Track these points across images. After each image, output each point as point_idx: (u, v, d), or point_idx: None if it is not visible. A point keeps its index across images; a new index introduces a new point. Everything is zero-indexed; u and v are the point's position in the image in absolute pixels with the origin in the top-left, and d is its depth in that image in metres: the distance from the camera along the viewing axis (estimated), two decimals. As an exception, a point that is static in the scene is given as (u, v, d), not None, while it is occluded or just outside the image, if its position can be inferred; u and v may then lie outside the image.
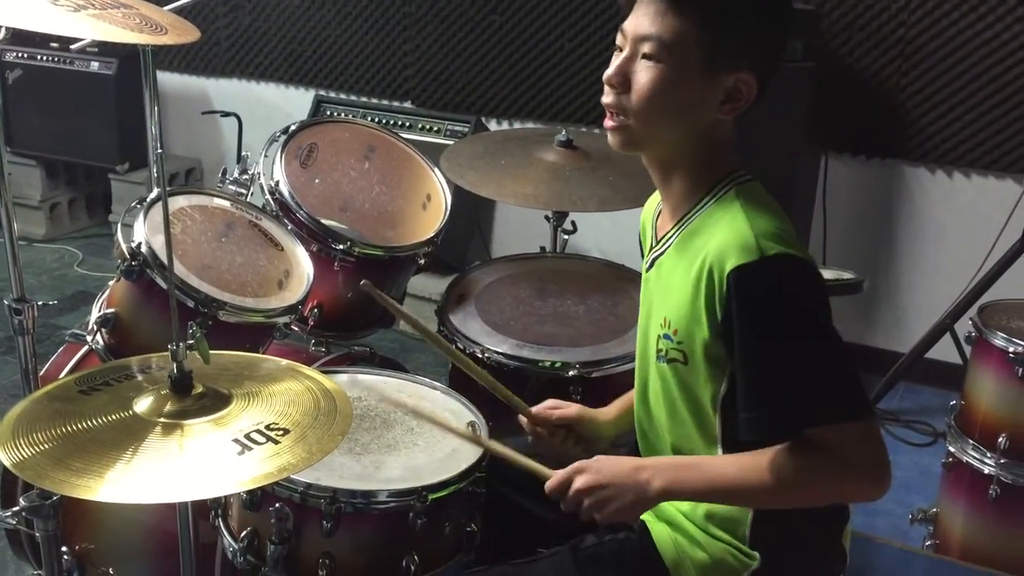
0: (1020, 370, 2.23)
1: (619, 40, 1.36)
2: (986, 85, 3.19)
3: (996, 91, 3.18)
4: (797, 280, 1.27)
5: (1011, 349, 2.25)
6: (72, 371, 1.99)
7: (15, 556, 2.16)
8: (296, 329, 2.10)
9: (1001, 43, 3.14)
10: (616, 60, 1.35)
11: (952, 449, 2.43)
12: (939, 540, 2.47)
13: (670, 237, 1.42)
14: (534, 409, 1.64)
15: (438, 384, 1.85)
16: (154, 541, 1.89)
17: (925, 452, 3.06)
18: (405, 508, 1.51)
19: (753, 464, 1.31)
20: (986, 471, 2.33)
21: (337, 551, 1.52)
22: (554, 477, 1.41)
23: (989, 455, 2.32)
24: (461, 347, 2.05)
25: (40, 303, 1.60)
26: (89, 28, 1.32)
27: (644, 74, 1.32)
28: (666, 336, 1.38)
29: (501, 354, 2.00)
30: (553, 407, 1.65)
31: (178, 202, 1.87)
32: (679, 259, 1.38)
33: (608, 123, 1.37)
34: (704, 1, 1.29)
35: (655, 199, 1.55)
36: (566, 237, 2.53)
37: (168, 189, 1.90)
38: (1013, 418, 2.29)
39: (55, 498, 1.69)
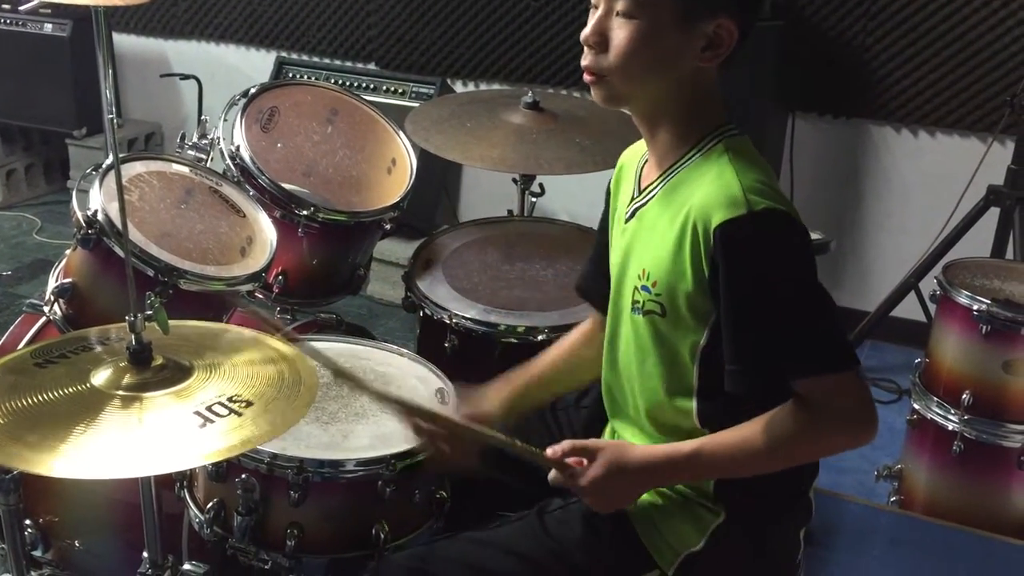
0: (984, 328, 2.25)
1: (593, 0, 1.34)
2: (951, 44, 3.19)
3: (960, 50, 3.18)
4: (784, 235, 1.27)
5: (975, 307, 2.27)
6: (30, 342, 1.95)
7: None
8: (260, 296, 2.07)
9: (965, 1, 3.14)
10: (592, 19, 1.33)
11: (916, 406, 2.46)
12: (903, 496, 2.51)
13: (654, 188, 1.40)
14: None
15: (405, 351, 1.83)
16: (119, 513, 1.86)
17: (890, 409, 3.09)
18: (374, 476, 1.50)
19: (745, 437, 1.31)
20: (950, 427, 2.36)
21: (305, 521, 1.51)
22: (553, 475, 1.38)
23: (953, 412, 2.35)
24: (429, 312, 2.03)
25: (-6, 274, 1.55)
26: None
27: (620, 31, 1.30)
28: (644, 288, 1.36)
29: (469, 319, 1.98)
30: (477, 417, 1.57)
31: (135, 168, 1.83)
32: (662, 210, 1.36)
33: (587, 78, 1.35)
34: None
35: (637, 148, 1.53)
36: (534, 200, 2.51)
37: (124, 155, 1.86)
38: (977, 375, 2.32)
39: (15, 472, 1.66)
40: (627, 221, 1.45)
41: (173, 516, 1.70)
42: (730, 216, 1.24)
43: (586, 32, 1.33)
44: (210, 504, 1.56)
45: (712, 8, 1.29)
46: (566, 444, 1.38)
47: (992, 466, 2.35)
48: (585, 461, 1.37)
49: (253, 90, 2.12)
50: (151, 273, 1.69)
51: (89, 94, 4.16)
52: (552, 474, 1.40)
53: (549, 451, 1.40)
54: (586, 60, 1.34)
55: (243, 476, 1.49)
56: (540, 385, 1.65)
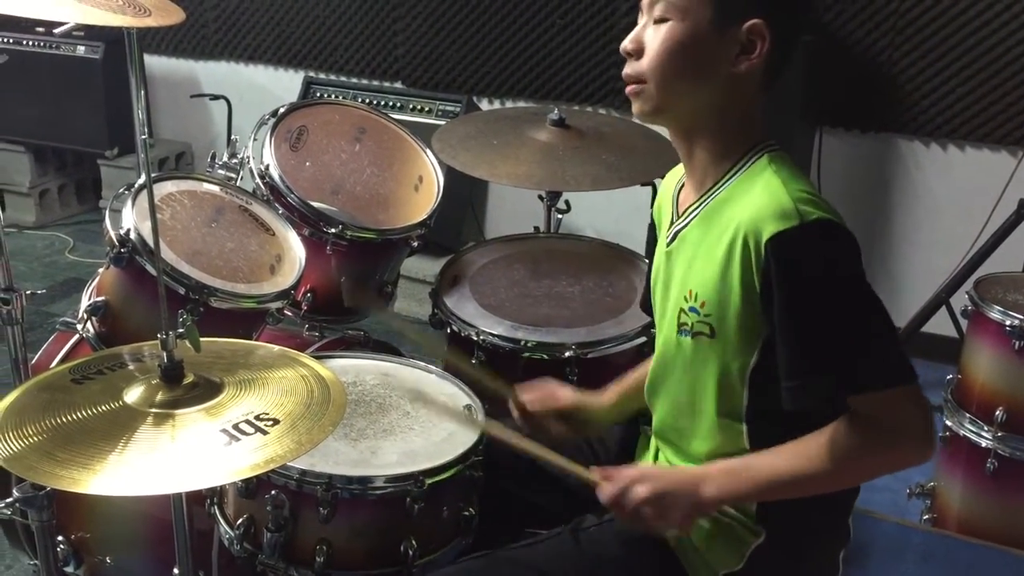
0: (1017, 343, 2.23)
1: (640, 16, 1.36)
2: (979, 57, 3.17)
3: (989, 63, 3.17)
4: (838, 246, 1.25)
5: (1008, 322, 2.24)
6: (63, 360, 1.97)
7: (11, 546, 2.15)
8: (289, 314, 2.08)
9: (994, 14, 3.12)
10: (633, 31, 1.35)
11: (949, 423, 2.43)
12: (937, 514, 2.47)
13: (694, 210, 1.39)
14: (526, 400, 1.62)
15: (434, 367, 1.83)
16: (150, 529, 1.88)
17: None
18: (402, 493, 1.50)
19: (802, 451, 1.29)
20: (983, 445, 2.32)
21: (334, 537, 1.51)
22: (610, 489, 1.36)
23: (986, 429, 2.32)
24: (456, 329, 2.04)
25: (29, 291, 1.58)
26: (71, 11, 1.29)
27: (655, 36, 1.31)
28: (692, 309, 1.35)
29: (496, 336, 1.98)
30: (548, 395, 1.63)
31: (166, 187, 1.85)
32: (706, 230, 1.36)
33: (628, 89, 1.36)
34: None
35: (674, 175, 1.53)
36: (560, 217, 2.52)
37: (156, 174, 1.88)
38: (1010, 391, 2.29)
39: (48, 489, 1.68)
40: (668, 245, 1.44)
41: (204, 532, 1.71)
42: (781, 228, 1.23)
43: (624, 42, 1.35)
44: (240, 520, 1.56)
45: (745, 9, 1.29)
46: (610, 471, 1.38)
47: (1027, 484, 2.32)
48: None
49: (282, 110, 2.14)
50: (182, 291, 1.71)
51: (121, 115, 4.22)
52: (601, 488, 1.37)
53: (598, 471, 1.40)
54: (626, 69, 1.36)
55: (273, 492, 1.50)
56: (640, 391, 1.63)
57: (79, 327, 1.82)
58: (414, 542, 1.52)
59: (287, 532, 1.52)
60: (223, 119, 4.09)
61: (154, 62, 4.51)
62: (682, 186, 1.47)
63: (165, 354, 1.27)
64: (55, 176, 4.57)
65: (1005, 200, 3.06)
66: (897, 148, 3.40)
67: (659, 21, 1.31)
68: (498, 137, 2.32)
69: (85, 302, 1.84)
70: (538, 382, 1.67)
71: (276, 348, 1.47)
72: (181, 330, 1.29)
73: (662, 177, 2.82)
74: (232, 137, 2.08)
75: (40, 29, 4.22)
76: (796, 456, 1.30)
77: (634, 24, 1.36)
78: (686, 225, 1.41)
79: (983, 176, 3.25)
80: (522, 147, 2.29)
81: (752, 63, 1.31)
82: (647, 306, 1.71)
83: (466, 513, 1.61)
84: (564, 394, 1.64)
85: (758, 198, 1.28)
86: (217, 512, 1.63)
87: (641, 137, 2.41)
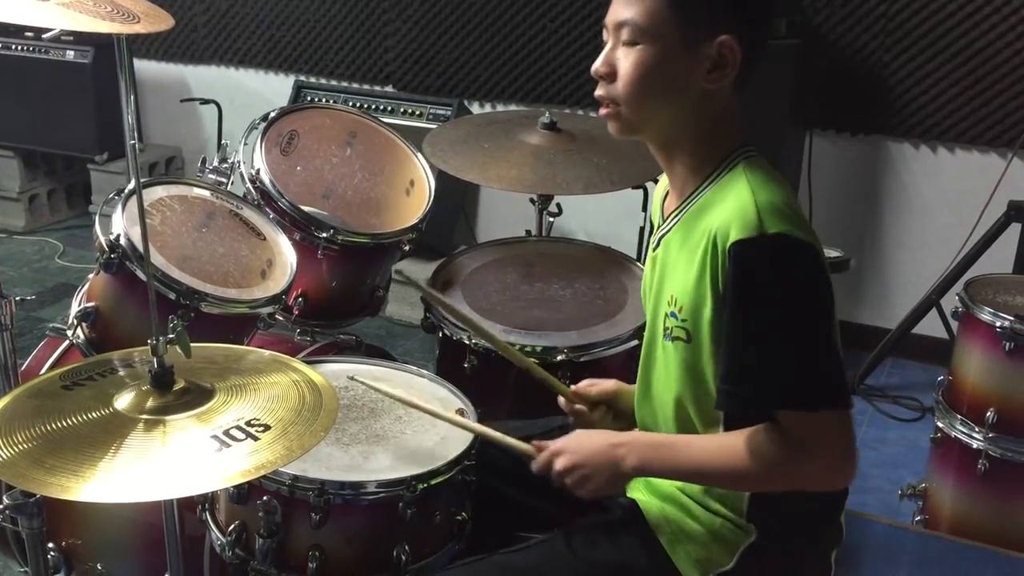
0: (1007, 344, 2.23)
1: (604, 35, 1.38)
2: (968, 60, 3.19)
3: (978, 66, 3.18)
4: (795, 262, 1.26)
5: (998, 324, 2.25)
6: (53, 366, 1.96)
7: (1, 554, 2.13)
8: (281, 319, 2.08)
9: (983, 17, 3.13)
10: (602, 53, 1.36)
11: (940, 424, 2.44)
12: (928, 515, 2.48)
13: (676, 215, 1.41)
14: (573, 387, 1.64)
15: (425, 372, 1.83)
16: (141, 535, 1.87)
17: (913, 427, 3.06)
18: (395, 498, 1.49)
19: (723, 446, 1.33)
20: (975, 446, 2.33)
21: (327, 543, 1.51)
22: (536, 460, 1.44)
23: (977, 430, 2.33)
24: (448, 333, 2.03)
25: (19, 297, 1.57)
26: (59, 18, 1.29)
27: (626, 60, 1.33)
28: (672, 314, 1.37)
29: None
30: (590, 384, 1.65)
31: (157, 192, 1.84)
32: (686, 236, 1.37)
33: (603, 110, 1.38)
34: None
35: (664, 180, 1.54)
36: (551, 220, 2.52)
37: (146, 179, 1.88)
38: (1001, 392, 2.30)
39: (39, 496, 1.67)
40: (654, 250, 1.47)
41: (195, 539, 1.70)
42: (743, 236, 1.25)
43: (596, 64, 1.36)
44: (232, 527, 1.56)
45: (713, 27, 1.30)
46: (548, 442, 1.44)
47: (1018, 484, 2.32)
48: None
49: (273, 114, 2.14)
50: (173, 296, 1.70)
51: (110, 119, 4.21)
52: (535, 462, 1.44)
53: (534, 442, 1.46)
54: (599, 91, 1.37)
55: (264, 498, 1.49)
56: None
57: (69, 333, 1.81)
58: (407, 547, 1.52)
59: (279, 538, 1.51)
60: (213, 123, 4.07)
61: (144, 66, 4.50)
62: (668, 192, 1.49)
63: (155, 360, 1.26)
64: (45, 181, 4.55)
65: (995, 202, 3.07)
66: (887, 150, 3.41)
67: (627, 44, 1.33)
68: (489, 141, 2.32)
69: (75, 308, 1.83)
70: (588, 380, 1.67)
71: (267, 353, 1.46)
72: (171, 336, 1.28)
73: (654, 181, 2.84)
74: (223, 142, 2.08)
75: (29, 34, 4.20)
76: (717, 449, 1.34)
77: None
78: (668, 230, 1.43)
79: (973, 178, 3.26)
80: (513, 151, 2.29)
81: (725, 76, 1.32)
82: None
83: (459, 518, 1.60)
84: (606, 383, 1.65)
85: (730, 205, 1.29)
86: (209, 518, 1.63)
87: (632, 141, 2.41)
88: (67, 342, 1.96)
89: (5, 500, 1.66)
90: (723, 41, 1.30)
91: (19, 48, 4.23)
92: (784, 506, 1.36)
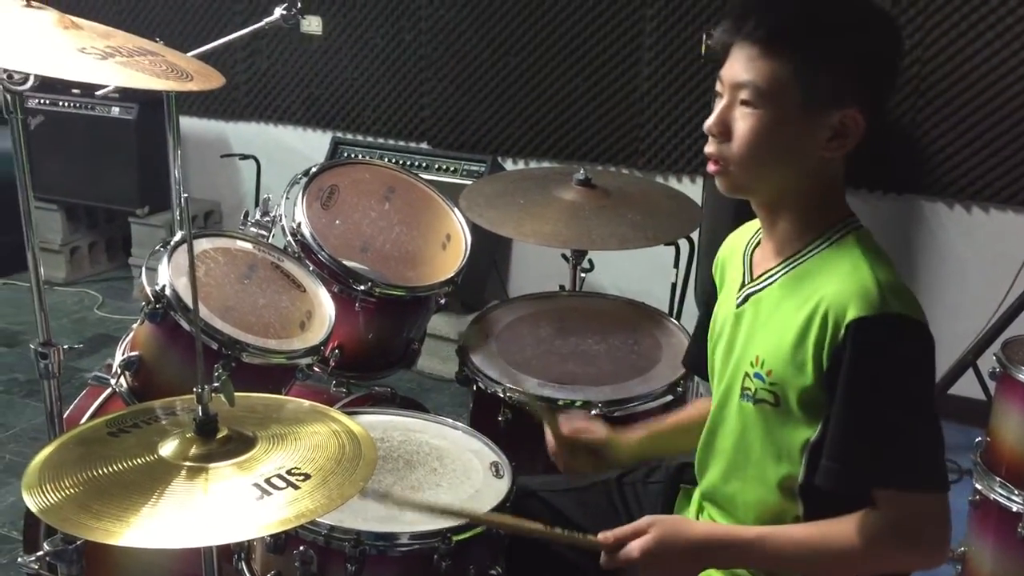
0: (1046, 405, 2.21)
1: (718, 87, 1.34)
2: (1003, 120, 3.19)
3: (1013, 125, 3.18)
4: (913, 344, 1.26)
5: (1037, 384, 2.23)
6: (95, 414, 1.99)
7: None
8: (317, 370, 2.10)
9: (1017, 77, 3.14)
10: (716, 108, 1.33)
11: (979, 487, 2.40)
12: (968, 579, 2.43)
13: (774, 274, 1.38)
14: (567, 430, 1.64)
15: (460, 424, 1.84)
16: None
17: (952, 490, 3.01)
18: (429, 550, 1.50)
19: (812, 536, 1.31)
20: (1014, 509, 2.29)
21: (361, 593, 1.51)
22: (612, 560, 1.38)
23: (1017, 493, 2.29)
24: (483, 387, 2.04)
25: (65, 347, 1.60)
26: (118, 75, 1.34)
27: (743, 122, 1.29)
28: (757, 375, 1.35)
29: (523, 393, 1.99)
30: (583, 427, 1.65)
31: (201, 244, 1.89)
32: (784, 299, 1.35)
33: (711, 168, 1.35)
34: (799, 44, 1.26)
35: (743, 232, 1.53)
36: (583, 275, 2.53)
37: (192, 231, 1.92)
38: (1041, 454, 2.26)
39: (79, 542, 1.69)
40: (739, 306, 1.43)
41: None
42: (866, 313, 1.23)
43: (709, 122, 1.33)
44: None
45: (839, 99, 1.27)
46: (617, 531, 1.38)
47: (1060, 548, 2.28)
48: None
49: (314, 169, 2.18)
50: (215, 346, 1.73)
51: (152, 174, 4.30)
52: (603, 558, 1.39)
53: (600, 536, 1.39)
54: (710, 148, 1.34)
55: (301, 548, 1.50)
56: (670, 435, 1.67)
57: (112, 381, 1.84)
58: (440, 600, 1.52)
59: (314, 588, 1.52)
60: (252, 178, 4.15)
61: (186, 122, 4.60)
62: (756, 247, 1.46)
63: (200, 408, 1.28)
64: (86, 234, 4.64)
65: (1030, 262, 3.05)
66: (920, 209, 3.41)
67: (747, 105, 1.29)
68: (524, 196, 2.35)
69: (119, 357, 1.86)
70: (572, 413, 1.70)
71: (307, 403, 1.48)
72: (216, 384, 1.30)
73: (687, 237, 2.85)
74: (264, 196, 2.12)
75: (76, 91, 4.32)
76: (808, 539, 1.31)
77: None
78: (762, 288, 1.40)
79: (1007, 238, 3.24)
80: (548, 206, 2.32)
81: (844, 147, 1.31)
82: (692, 362, 1.72)
83: (492, 572, 1.60)
84: (597, 428, 1.66)
85: (846, 277, 1.27)
86: (244, 567, 1.63)
87: (666, 197, 2.44)
88: (108, 390, 2.00)
89: (45, 547, 1.69)
90: (849, 114, 1.28)
91: (66, 104, 4.35)
92: None
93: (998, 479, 2.33)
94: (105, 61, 1.35)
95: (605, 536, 1.39)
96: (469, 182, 3.84)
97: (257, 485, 1.23)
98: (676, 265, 3.50)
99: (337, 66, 4.23)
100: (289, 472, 1.26)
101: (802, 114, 1.28)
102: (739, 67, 1.29)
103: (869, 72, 1.30)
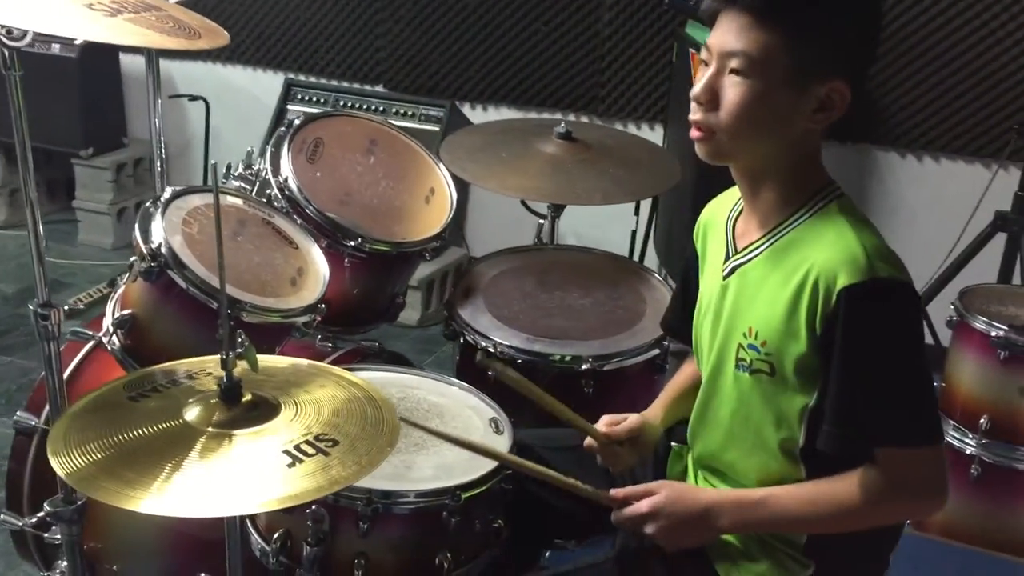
0: (1002, 353, 2.31)
1: (703, 55, 1.34)
2: (957, 71, 3.27)
3: (967, 76, 3.26)
4: (902, 306, 1.31)
5: (993, 333, 2.33)
6: (76, 370, 1.96)
7: (20, 557, 2.13)
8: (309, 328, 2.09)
9: (971, 29, 3.22)
10: (703, 76, 1.33)
11: (934, 430, 2.50)
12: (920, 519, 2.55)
13: (759, 246, 1.41)
14: (603, 430, 1.63)
15: (454, 380, 1.86)
16: (159, 539, 1.88)
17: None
18: (439, 507, 1.53)
19: (817, 494, 1.36)
20: (967, 452, 2.41)
21: (372, 551, 1.54)
22: (621, 515, 1.44)
23: (970, 436, 2.40)
24: (471, 341, 2.06)
25: (67, 307, 1.57)
26: (127, 34, 1.30)
27: (732, 90, 1.30)
28: (751, 347, 1.38)
29: (513, 348, 2.01)
30: (614, 423, 1.64)
31: (192, 201, 1.85)
32: (771, 270, 1.37)
33: (695, 134, 1.36)
34: (791, 14, 1.27)
35: (723, 201, 1.55)
36: (541, 222, 2.53)
37: (182, 188, 1.88)
38: (994, 399, 2.37)
39: (80, 503, 1.68)
40: (725, 278, 1.46)
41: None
42: (856, 280, 1.26)
43: (696, 90, 1.33)
44: (276, 534, 1.58)
45: (827, 69, 1.29)
46: (628, 489, 1.44)
47: (1010, 490, 2.40)
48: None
49: (297, 121, 2.14)
50: (215, 306, 1.71)
51: (96, 115, 4.16)
52: (615, 513, 1.45)
53: (612, 492, 1.45)
54: (695, 115, 1.34)
55: (313, 507, 1.52)
56: (681, 401, 1.68)
57: (104, 340, 1.81)
58: (448, 555, 1.55)
59: (326, 546, 1.54)
60: (200, 120, 4.05)
61: (129, 61, 4.45)
62: (737, 217, 1.48)
63: (226, 374, 1.28)
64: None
65: (981, 211, 3.16)
66: (874, 159, 3.49)
67: (735, 72, 1.29)
68: (507, 149, 2.35)
69: (110, 315, 1.83)
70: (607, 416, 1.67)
71: (322, 366, 1.48)
72: (240, 350, 1.30)
73: (666, 192, 2.88)
74: (248, 148, 2.08)
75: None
76: (813, 497, 1.37)
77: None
78: (748, 260, 1.42)
79: (958, 187, 3.35)
80: (531, 160, 2.32)
81: (830, 118, 1.32)
82: (672, 327, 1.75)
83: (496, 525, 1.64)
84: (630, 417, 1.66)
85: (833, 246, 1.30)
86: (249, 525, 1.64)
87: (644, 151, 2.46)
88: (89, 345, 1.96)
89: (47, 508, 1.68)
90: (835, 86, 1.29)
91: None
92: (842, 541, 1.40)
93: (952, 423, 2.44)
94: (114, 18, 1.30)
95: (616, 492, 1.45)
96: (428, 127, 3.81)
97: (287, 452, 1.24)
98: (636, 213, 3.54)
99: (289, 3, 4.11)
100: (317, 438, 1.27)
101: (791, 85, 1.29)
102: (730, 36, 1.29)
103: (857, 43, 1.33)
